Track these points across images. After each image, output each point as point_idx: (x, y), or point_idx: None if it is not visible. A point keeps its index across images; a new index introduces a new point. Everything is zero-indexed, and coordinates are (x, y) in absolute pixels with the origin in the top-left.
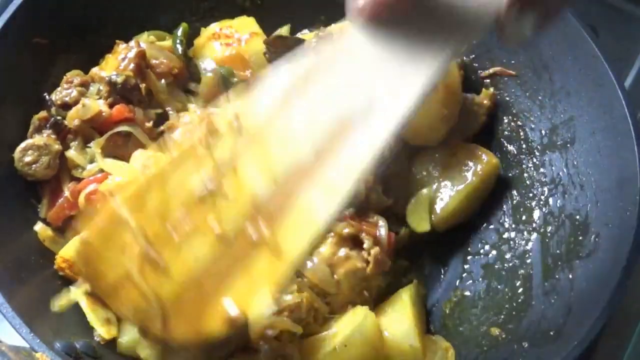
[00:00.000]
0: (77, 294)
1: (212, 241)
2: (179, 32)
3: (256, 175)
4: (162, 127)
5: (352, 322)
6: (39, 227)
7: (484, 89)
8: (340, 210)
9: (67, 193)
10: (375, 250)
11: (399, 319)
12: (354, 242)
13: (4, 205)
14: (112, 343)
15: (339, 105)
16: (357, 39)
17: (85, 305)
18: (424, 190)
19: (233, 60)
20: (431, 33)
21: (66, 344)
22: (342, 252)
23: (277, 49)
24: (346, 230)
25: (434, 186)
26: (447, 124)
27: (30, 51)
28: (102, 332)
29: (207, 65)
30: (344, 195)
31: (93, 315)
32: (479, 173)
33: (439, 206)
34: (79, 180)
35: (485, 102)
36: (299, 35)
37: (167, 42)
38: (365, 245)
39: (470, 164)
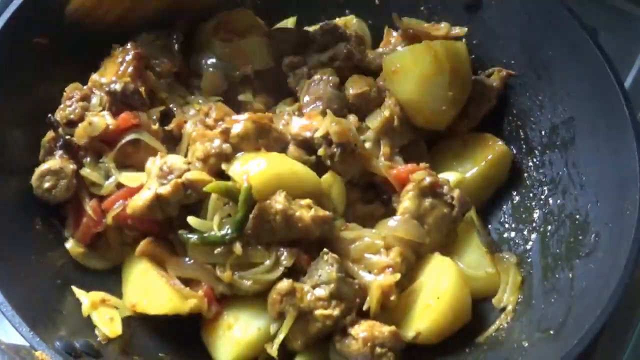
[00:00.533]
0: (80, 293)
1: None
2: (174, 29)
3: None
4: (171, 126)
5: (437, 272)
6: (70, 244)
7: (495, 71)
8: None
9: (90, 211)
10: (457, 192)
11: (470, 250)
12: (431, 191)
13: (3, 204)
14: (112, 342)
15: None
16: None
17: (88, 304)
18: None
19: (233, 56)
20: None
21: (66, 342)
22: (427, 202)
23: (279, 42)
24: (428, 180)
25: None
26: (454, 107)
27: (30, 51)
28: (107, 331)
29: (208, 60)
30: None
31: (97, 314)
32: (489, 160)
33: None
34: (99, 197)
35: (495, 84)
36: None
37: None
38: (445, 190)
39: (482, 152)
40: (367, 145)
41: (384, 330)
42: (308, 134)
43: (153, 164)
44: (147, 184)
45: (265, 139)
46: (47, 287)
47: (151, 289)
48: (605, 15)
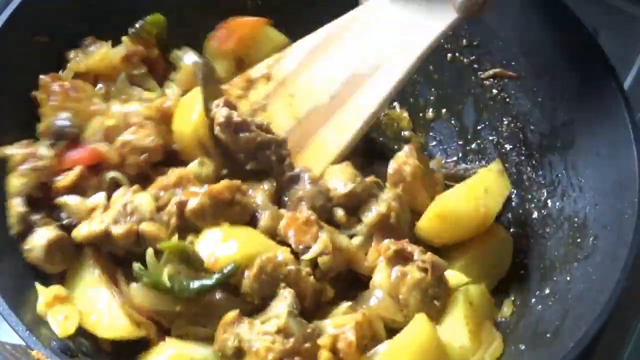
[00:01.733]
0: (41, 290)
1: None
2: (144, 20)
3: (282, 113)
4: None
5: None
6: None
7: (496, 72)
8: (349, 148)
9: None
10: (428, 255)
11: (452, 321)
12: (402, 258)
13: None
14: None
15: (354, 60)
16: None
17: (43, 301)
18: None
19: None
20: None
21: (62, 342)
22: (396, 271)
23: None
24: (393, 248)
25: None
26: None
27: (30, 49)
28: (57, 328)
29: (190, 58)
30: (353, 135)
31: (50, 313)
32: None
33: None
34: None
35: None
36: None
37: None
38: (415, 256)
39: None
40: (357, 240)
41: None
42: (298, 246)
43: (121, 196)
44: (105, 212)
45: (227, 214)
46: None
47: (102, 307)
48: (605, 15)
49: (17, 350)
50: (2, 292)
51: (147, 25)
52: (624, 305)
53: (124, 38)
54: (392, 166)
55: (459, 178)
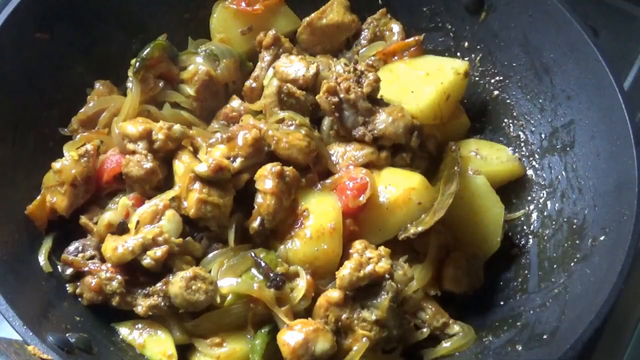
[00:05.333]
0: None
1: None
2: (141, 57)
3: None
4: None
5: None
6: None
7: None
8: None
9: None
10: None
11: None
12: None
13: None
14: (106, 339)
15: None
16: None
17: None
18: None
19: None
20: None
21: (60, 337)
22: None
23: None
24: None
25: None
26: None
27: (31, 46)
28: None
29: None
30: None
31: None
32: None
33: None
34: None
35: None
36: None
37: None
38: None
39: None
40: None
41: None
42: None
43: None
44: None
45: None
46: (43, 281)
47: None
48: (605, 15)
49: (14, 344)
50: (1, 287)
51: (149, 54)
52: (624, 306)
53: (130, 76)
54: None
55: None
